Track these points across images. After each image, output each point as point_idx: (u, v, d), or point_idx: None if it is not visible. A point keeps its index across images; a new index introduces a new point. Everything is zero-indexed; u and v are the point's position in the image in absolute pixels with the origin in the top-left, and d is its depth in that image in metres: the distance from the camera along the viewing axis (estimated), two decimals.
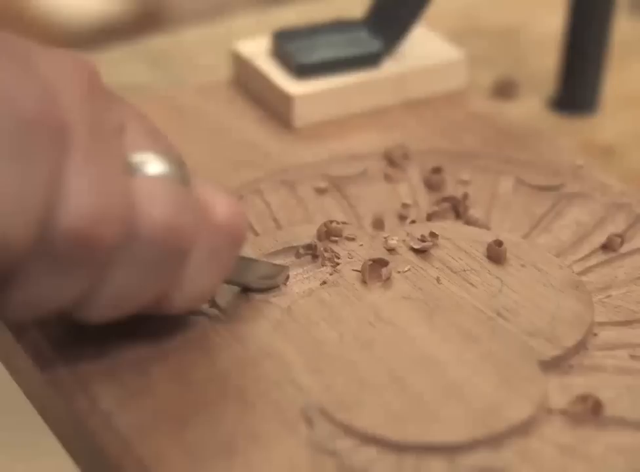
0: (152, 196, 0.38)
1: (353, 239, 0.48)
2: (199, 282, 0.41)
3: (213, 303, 0.45)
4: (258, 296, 0.45)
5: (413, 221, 0.50)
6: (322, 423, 0.40)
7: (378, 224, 0.50)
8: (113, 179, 0.37)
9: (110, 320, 0.40)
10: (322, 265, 0.47)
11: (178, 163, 0.40)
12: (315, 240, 0.48)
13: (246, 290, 0.45)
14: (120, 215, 0.37)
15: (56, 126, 0.36)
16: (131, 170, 0.38)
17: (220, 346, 0.43)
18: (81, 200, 0.36)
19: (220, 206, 0.41)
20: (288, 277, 0.46)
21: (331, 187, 0.52)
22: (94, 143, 0.37)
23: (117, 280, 0.38)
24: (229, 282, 0.44)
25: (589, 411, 0.40)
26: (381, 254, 0.47)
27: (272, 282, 0.45)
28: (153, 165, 0.39)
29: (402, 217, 0.50)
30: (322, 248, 0.47)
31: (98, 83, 0.39)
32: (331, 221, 0.48)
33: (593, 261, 0.48)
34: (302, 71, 0.58)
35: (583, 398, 0.40)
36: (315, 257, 0.47)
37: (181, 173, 0.40)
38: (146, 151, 0.39)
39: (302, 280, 0.46)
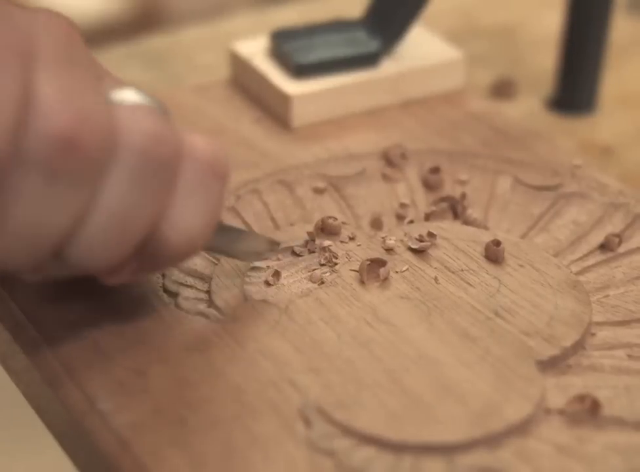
0: (134, 113, 0.38)
1: (351, 239, 0.48)
2: (189, 216, 0.40)
3: (211, 303, 0.45)
4: (257, 296, 0.45)
5: (411, 221, 0.50)
6: (320, 423, 0.40)
7: (377, 224, 0.50)
8: (89, 89, 0.37)
9: (105, 265, 0.39)
10: (320, 264, 0.47)
11: (155, 98, 0.40)
12: (310, 238, 0.48)
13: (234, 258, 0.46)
14: (100, 121, 0.37)
15: (22, 40, 0.36)
16: (111, 102, 0.38)
17: (218, 346, 0.43)
18: (57, 105, 0.36)
19: (199, 141, 0.41)
20: (277, 248, 0.46)
21: (329, 187, 0.52)
22: (65, 61, 0.37)
23: (108, 201, 0.38)
24: (217, 250, 0.44)
25: (587, 411, 0.40)
26: (379, 254, 0.47)
27: (260, 256, 0.46)
28: (132, 96, 0.39)
29: (400, 217, 0.50)
30: (318, 245, 0.47)
31: (77, 38, 0.39)
32: (328, 218, 0.48)
33: (591, 261, 0.48)
34: (300, 71, 0.58)
35: (581, 398, 0.40)
36: (311, 252, 0.47)
37: (159, 105, 0.40)
38: (125, 88, 0.39)
39: (300, 280, 0.46)
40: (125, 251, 0.39)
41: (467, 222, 0.50)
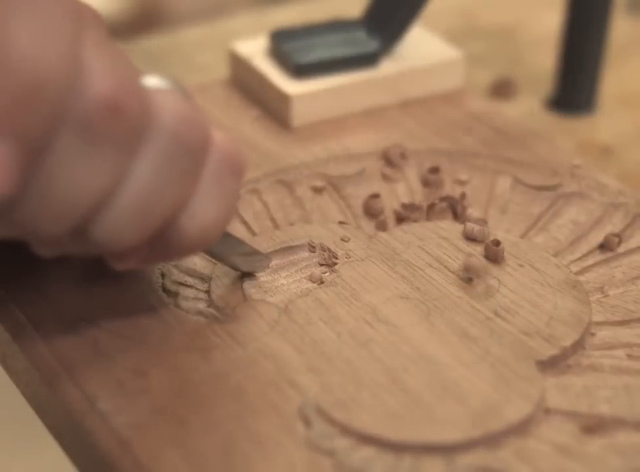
0: (167, 95, 0.39)
1: (349, 239, 0.48)
2: (207, 209, 0.40)
3: (211, 303, 0.45)
4: (256, 296, 0.45)
5: (415, 221, 0.50)
6: (320, 423, 0.40)
7: (381, 225, 0.50)
8: (129, 64, 0.38)
9: (121, 247, 0.39)
10: (320, 264, 0.47)
11: (183, 88, 0.41)
12: (312, 241, 0.48)
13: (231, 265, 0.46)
14: (140, 92, 0.38)
15: (74, 12, 0.37)
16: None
17: (218, 346, 0.43)
18: (106, 70, 0.37)
19: (221, 136, 0.41)
20: (268, 264, 0.47)
21: (329, 187, 0.52)
22: (105, 36, 0.38)
23: (138, 179, 0.38)
24: (216, 255, 0.45)
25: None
26: (379, 253, 0.47)
27: (254, 268, 0.46)
28: (161, 83, 0.40)
29: (399, 217, 0.50)
30: (320, 247, 0.47)
31: (104, 29, 0.39)
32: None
33: (590, 260, 0.48)
34: (300, 70, 0.58)
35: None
36: (312, 251, 0.47)
37: (187, 94, 0.40)
38: (152, 75, 0.40)
39: (300, 280, 0.46)
40: (144, 234, 0.40)
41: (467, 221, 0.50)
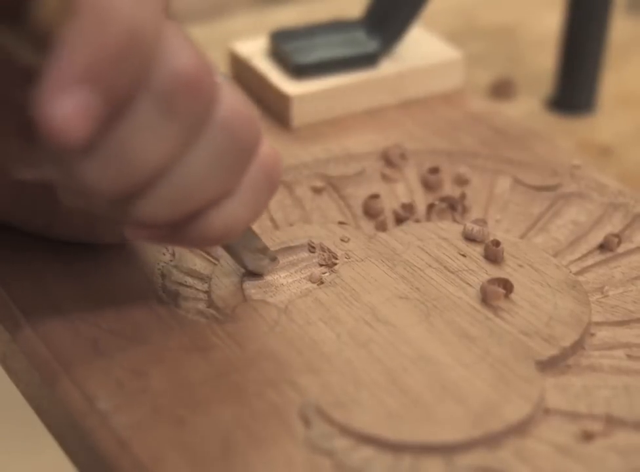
0: (226, 87, 0.39)
1: (349, 240, 0.48)
2: (238, 210, 0.41)
3: (210, 303, 0.45)
4: (256, 296, 0.45)
5: (417, 221, 0.50)
6: (320, 423, 0.40)
7: (381, 226, 0.50)
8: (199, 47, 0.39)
9: (155, 221, 0.40)
10: (319, 264, 0.47)
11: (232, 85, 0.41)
12: (312, 241, 0.48)
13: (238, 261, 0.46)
14: (214, 73, 0.38)
15: None
16: None
17: (217, 346, 0.43)
18: (186, 47, 0.37)
19: (264, 144, 0.42)
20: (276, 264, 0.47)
21: (328, 187, 0.52)
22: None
23: (191, 162, 0.39)
24: (228, 247, 0.45)
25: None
26: (378, 254, 0.47)
27: (259, 268, 0.46)
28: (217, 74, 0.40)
29: (399, 217, 0.50)
30: (320, 247, 0.47)
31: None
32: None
33: (590, 261, 0.48)
34: (300, 71, 0.58)
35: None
36: (312, 251, 0.47)
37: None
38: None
39: (299, 280, 0.46)
40: (174, 216, 0.40)
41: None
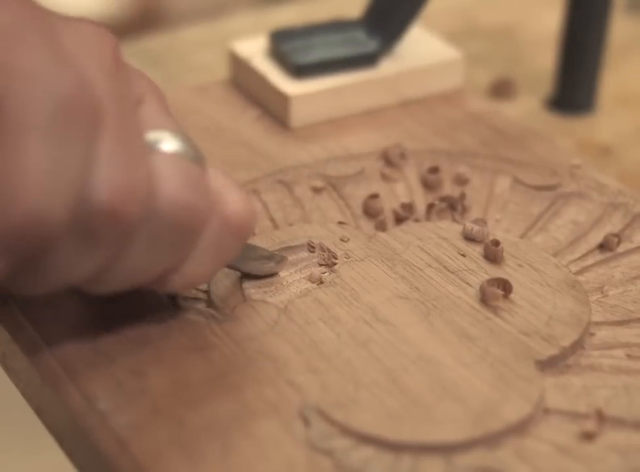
0: (169, 174, 0.39)
1: (349, 239, 0.48)
2: (198, 267, 0.41)
3: (210, 303, 0.45)
4: (255, 296, 0.45)
5: (417, 220, 0.50)
6: (319, 423, 0.40)
7: (380, 225, 0.50)
8: (139, 158, 0.38)
9: (114, 293, 0.41)
10: (319, 264, 0.47)
11: (191, 143, 0.41)
12: (312, 241, 0.48)
13: (244, 274, 0.46)
14: (144, 193, 0.38)
15: (92, 108, 0.37)
16: (148, 147, 0.39)
17: (217, 346, 0.43)
18: (113, 177, 0.37)
19: (232, 199, 0.41)
20: (283, 264, 0.47)
21: (328, 187, 0.52)
22: (121, 121, 0.38)
23: (134, 255, 0.39)
24: (230, 267, 0.45)
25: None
26: (378, 253, 0.47)
27: (269, 269, 0.46)
28: (168, 143, 0.40)
29: (399, 217, 0.50)
30: (319, 247, 0.47)
31: (119, 55, 0.40)
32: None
33: (589, 260, 0.48)
34: (299, 71, 0.58)
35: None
36: (312, 251, 0.47)
37: (194, 152, 0.40)
38: (161, 128, 0.40)
39: (299, 280, 0.46)
40: (134, 286, 0.41)
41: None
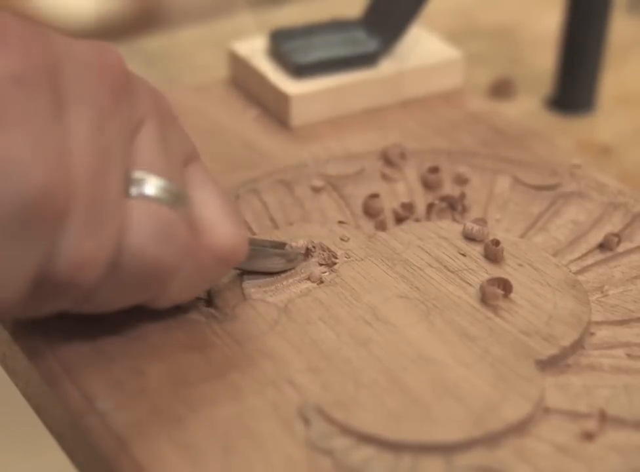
0: (140, 226, 0.39)
1: (349, 239, 0.48)
2: (183, 289, 0.42)
3: (210, 303, 0.45)
4: (255, 295, 0.45)
5: (417, 220, 0.50)
6: (319, 422, 0.40)
7: (381, 225, 0.50)
8: (107, 224, 0.38)
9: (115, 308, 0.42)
10: (319, 263, 0.47)
11: (174, 184, 0.40)
12: (312, 241, 0.48)
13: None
14: (109, 255, 0.38)
15: (57, 211, 0.36)
16: (129, 184, 0.39)
17: (217, 345, 0.43)
18: (73, 254, 0.37)
19: (222, 231, 0.41)
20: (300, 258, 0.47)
21: (328, 187, 0.52)
22: (94, 198, 0.37)
23: (101, 297, 0.40)
24: (245, 270, 0.45)
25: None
26: (378, 253, 0.47)
27: (286, 265, 0.46)
28: (149, 185, 0.39)
29: (399, 217, 0.50)
30: (320, 247, 0.47)
31: (123, 76, 0.39)
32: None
33: (590, 260, 0.48)
34: (299, 70, 0.58)
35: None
36: (310, 255, 0.47)
37: (176, 193, 0.40)
38: (149, 164, 0.39)
39: (299, 279, 0.46)
40: (127, 305, 0.42)
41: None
